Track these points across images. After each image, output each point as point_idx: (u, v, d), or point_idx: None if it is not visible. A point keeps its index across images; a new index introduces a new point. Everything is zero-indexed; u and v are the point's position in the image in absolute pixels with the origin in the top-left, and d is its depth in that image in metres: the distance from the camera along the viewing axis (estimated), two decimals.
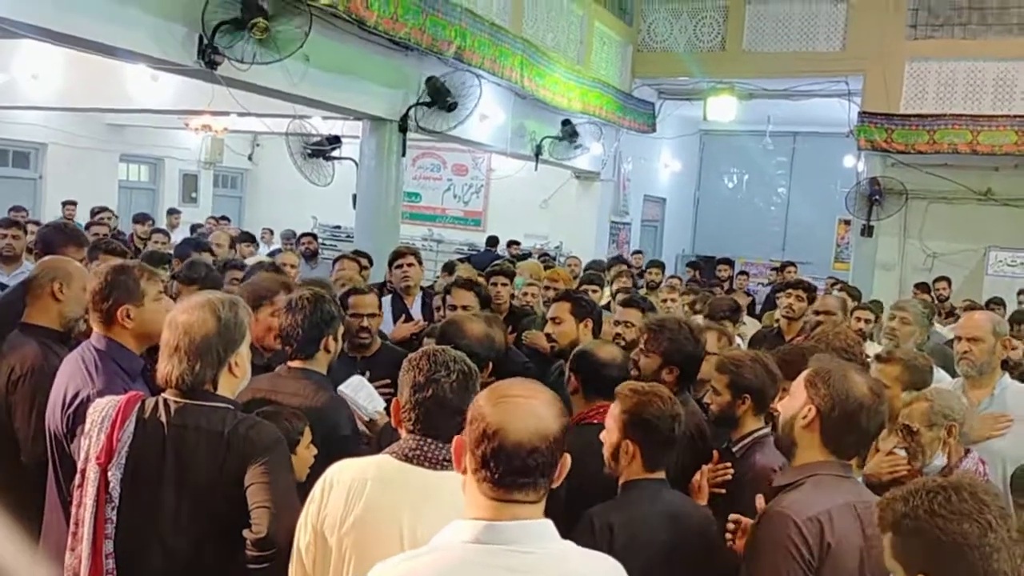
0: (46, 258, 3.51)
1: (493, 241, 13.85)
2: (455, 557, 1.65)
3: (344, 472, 2.16)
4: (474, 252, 13.81)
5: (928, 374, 3.72)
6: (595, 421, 3.10)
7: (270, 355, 3.64)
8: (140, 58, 6.86)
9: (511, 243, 13.52)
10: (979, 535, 1.64)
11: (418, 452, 2.15)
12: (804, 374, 2.47)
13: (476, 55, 9.43)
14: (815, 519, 2.26)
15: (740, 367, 3.18)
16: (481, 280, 5.54)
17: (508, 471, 1.66)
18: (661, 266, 10.16)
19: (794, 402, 2.45)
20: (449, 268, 7.79)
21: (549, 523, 1.72)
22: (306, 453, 2.83)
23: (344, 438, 3.01)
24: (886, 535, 1.76)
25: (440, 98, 9.25)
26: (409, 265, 5.81)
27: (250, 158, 18.05)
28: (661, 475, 2.70)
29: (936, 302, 10.04)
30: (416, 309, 5.77)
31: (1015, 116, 11.35)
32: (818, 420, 2.38)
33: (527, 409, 1.69)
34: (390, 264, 5.95)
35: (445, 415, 2.19)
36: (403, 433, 2.24)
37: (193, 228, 12.62)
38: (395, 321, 5.41)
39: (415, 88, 9.36)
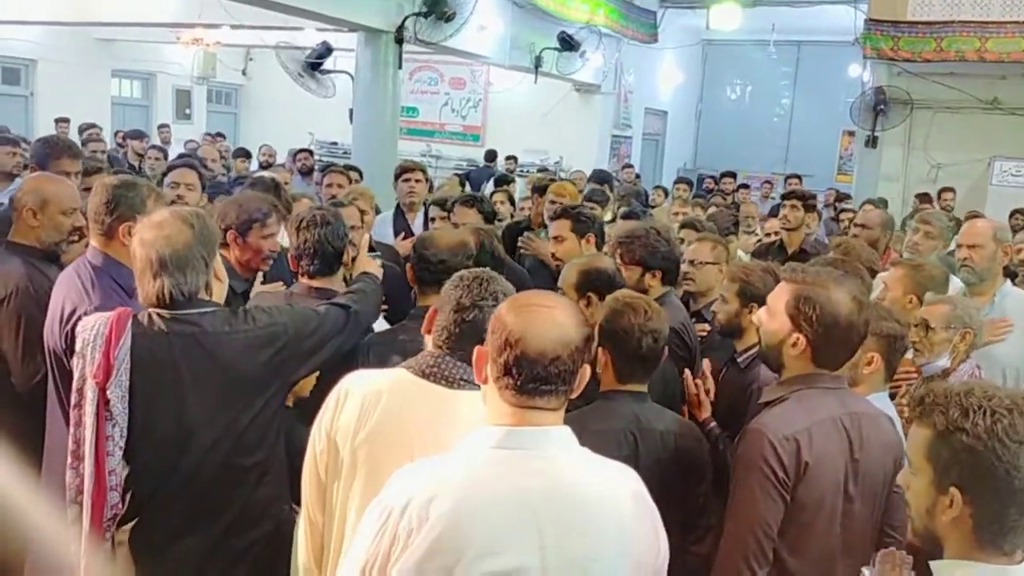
0: (31, 176, 3.43)
1: (491, 156, 13.68)
2: (478, 462, 1.68)
3: (359, 383, 2.14)
4: (473, 168, 13.65)
5: (940, 283, 3.70)
6: None
7: (247, 277, 3.56)
8: None
9: (508, 158, 13.36)
10: (1016, 458, 1.57)
11: (435, 369, 2.12)
12: (785, 298, 2.35)
13: None
14: (792, 438, 2.22)
15: (750, 275, 3.17)
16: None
17: (530, 378, 1.67)
18: (664, 190, 10.11)
19: (776, 325, 2.37)
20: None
21: (568, 430, 1.75)
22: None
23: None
24: (924, 430, 1.67)
25: (436, 7, 9.02)
26: (417, 181, 5.76)
27: (244, 73, 17.74)
28: (636, 387, 2.63)
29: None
30: (418, 224, 5.71)
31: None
32: (809, 348, 2.32)
33: (549, 318, 1.70)
34: (396, 177, 5.88)
35: (476, 339, 2.17)
36: (428, 344, 2.21)
37: (186, 144, 12.48)
38: (396, 236, 5.35)
39: None
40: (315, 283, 3.14)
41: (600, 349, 2.65)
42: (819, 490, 2.25)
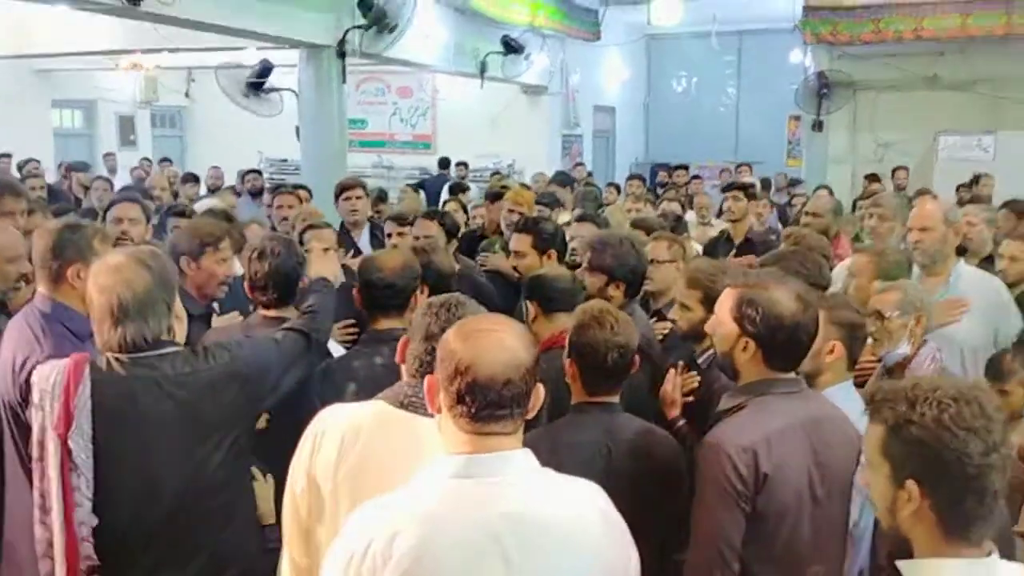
0: None
1: (444, 163, 13.65)
2: (439, 493, 1.67)
3: (336, 418, 2.11)
4: (426, 176, 13.61)
5: (903, 268, 3.75)
6: (563, 344, 3.08)
7: (205, 304, 3.55)
8: None
9: (458, 164, 13.35)
10: (982, 453, 1.60)
11: (414, 399, 2.08)
12: (728, 304, 2.37)
13: None
14: (750, 448, 2.21)
15: (715, 281, 3.06)
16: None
17: (484, 405, 1.66)
18: (617, 187, 10.18)
19: (724, 331, 2.38)
20: (382, 197, 7.79)
21: (528, 452, 1.74)
22: None
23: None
24: (877, 427, 1.70)
25: (375, 19, 8.98)
26: (357, 198, 5.69)
27: (187, 95, 17.48)
28: (607, 399, 2.63)
29: (895, 191, 10.15)
30: (364, 242, 5.66)
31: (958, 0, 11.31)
32: (759, 350, 2.32)
33: (497, 342, 1.69)
34: (336, 197, 5.82)
35: None
36: (404, 375, 2.18)
37: (132, 171, 12.30)
38: (345, 255, 5.30)
39: (349, 11, 9.07)
40: (271, 313, 3.12)
41: (567, 361, 2.65)
42: (780, 499, 2.25)
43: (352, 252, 5.25)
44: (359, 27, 9.00)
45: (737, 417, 2.33)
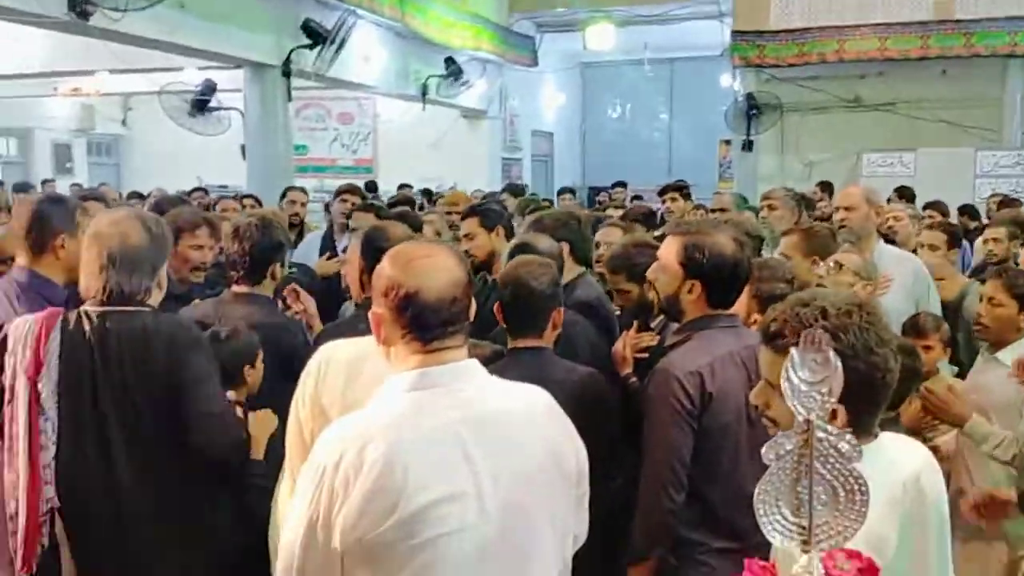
0: None
1: (372, 187, 13.71)
2: (403, 404, 1.74)
3: (341, 350, 2.21)
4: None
5: (830, 241, 4.00)
6: None
7: (187, 287, 3.66)
8: (7, 12, 6.58)
9: (400, 187, 13.40)
10: (893, 361, 1.72)
11: None
12: (674, 249, 2.57)
13: None
14: (696, 372, 2.44)
15: (630, 257, 3.33)
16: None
17: (436, 324, 1.76)
18: (551, 203, 10.44)
19: (670, 276, 2.59)
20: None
21: (475, 362, 1.84)
22: (259, 368, 2.93)
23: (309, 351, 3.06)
24: (782, 357, 1.64)
25: (318, 39, 9.15)
26: (353, 203, 5.88)
27: (124, 123, 17.37)
28: (531, 343, 2.79)
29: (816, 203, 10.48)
30: (344, 247, 5.80)
31: (877, 24, 11.88)
32: (704, 290, 2.55)
33: (436, 264, 1.79)
34: (335, 197, 6.14)
35: None
36: None
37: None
38: (321, 256, 5.43)
39: (293, 32, 9.23)
40: (242, 289, 3.22)
41: (497, 304, 2.84)
42: (723, 418, 2.48)
43: (328, 255, 5.38)
44: (303, 47, 9.15)
45: (684, 347, 2.56)
